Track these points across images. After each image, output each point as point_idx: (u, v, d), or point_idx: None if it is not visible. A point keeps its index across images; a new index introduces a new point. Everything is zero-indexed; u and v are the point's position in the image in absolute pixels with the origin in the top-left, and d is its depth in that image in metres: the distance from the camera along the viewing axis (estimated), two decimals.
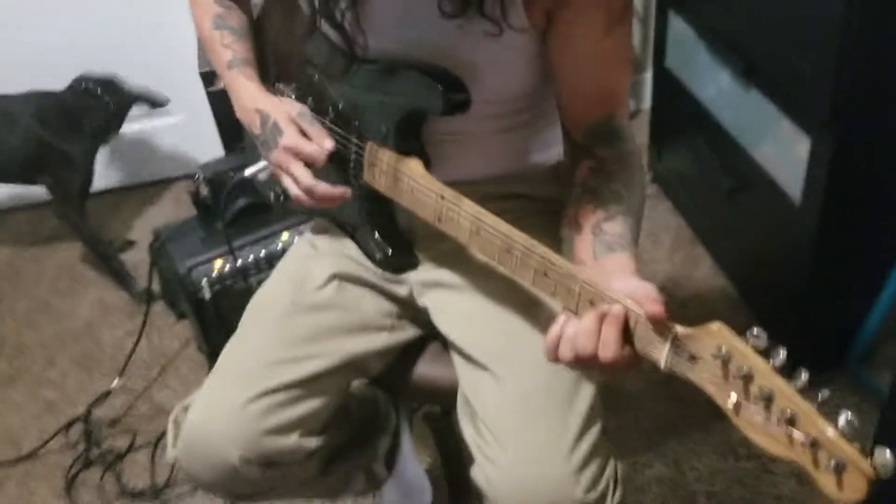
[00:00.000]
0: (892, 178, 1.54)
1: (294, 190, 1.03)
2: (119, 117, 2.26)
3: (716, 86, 1.91)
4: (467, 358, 1.04)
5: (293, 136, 1.01)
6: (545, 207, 1.13)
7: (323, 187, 1.01)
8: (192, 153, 2.60)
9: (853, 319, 1.75)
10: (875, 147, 1.50)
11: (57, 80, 2.24)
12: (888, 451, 0.60)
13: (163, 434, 1.84)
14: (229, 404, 1.02)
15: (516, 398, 0.96)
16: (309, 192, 1.01)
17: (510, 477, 0.92)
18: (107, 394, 1.95)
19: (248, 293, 1.72)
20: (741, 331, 0.68)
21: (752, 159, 1.79)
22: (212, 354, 1.85)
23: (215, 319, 1.78)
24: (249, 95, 1.08)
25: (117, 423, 1.90)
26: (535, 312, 1.02)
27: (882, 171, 1.53)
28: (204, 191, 1.90)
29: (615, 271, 0.81)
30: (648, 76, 2.38)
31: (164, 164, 2.72)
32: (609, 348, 0.75)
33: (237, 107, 1.12)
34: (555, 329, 0.79)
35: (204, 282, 1.74)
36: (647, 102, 2.52)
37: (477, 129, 1.05)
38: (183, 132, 2.65)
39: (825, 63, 1.42)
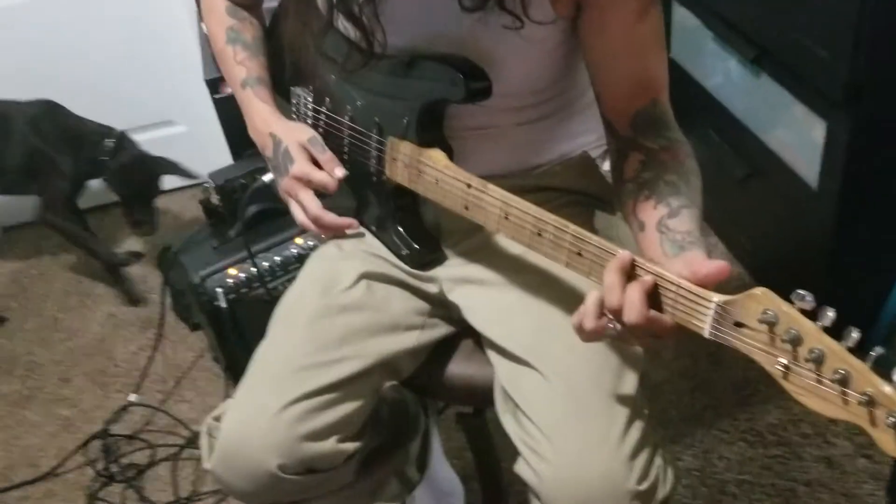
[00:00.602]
0: None
1: (301, 218, 1.04)
2: (118, 176, 2.21)
3: (724, 74, 1.91)
4: (504, 353, 1.02)
5: (303, 165, 1.02)
6: (574, 199, 1.12)
7: (330, 218, 1.03)
8: (200, 161, 2.59)
9: (873, 304, 1.74)
10: (892, 127, 1.49)
11: (61, 89, 2.24)
12: None
13: (183, 446, 1.83)
14: (265, 411, 1.00)
15: (560, 391, 0.94)
16: (315, 221, 1.02)
17: (560, 471, 0.91)
18: (123, 409, 1.94)
19: (263, 300, 1.74)
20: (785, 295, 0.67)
21: (765, 146, 1.79)
22: (229, 365, 1.84)
23: (232, 329, 1.76)
24: (262, 119, 1.09)
25: (135, 438, 1.89)
26: (570, 303, 1.00)
27: None
28: (215, 199, 1.89)
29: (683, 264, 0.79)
30: None
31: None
32: (633, 309, 0.74)
33: (250, 127, 1.12)
34: (580, 308, 0.79)
35: (219, 291, 1.73)
36: None
37: (500, 122, 1.04)
38: (189, 140, 2.65)
39: (841, 45, 1.42)
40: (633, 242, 0.96)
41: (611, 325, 0.79)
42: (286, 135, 1.05)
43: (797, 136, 1.67)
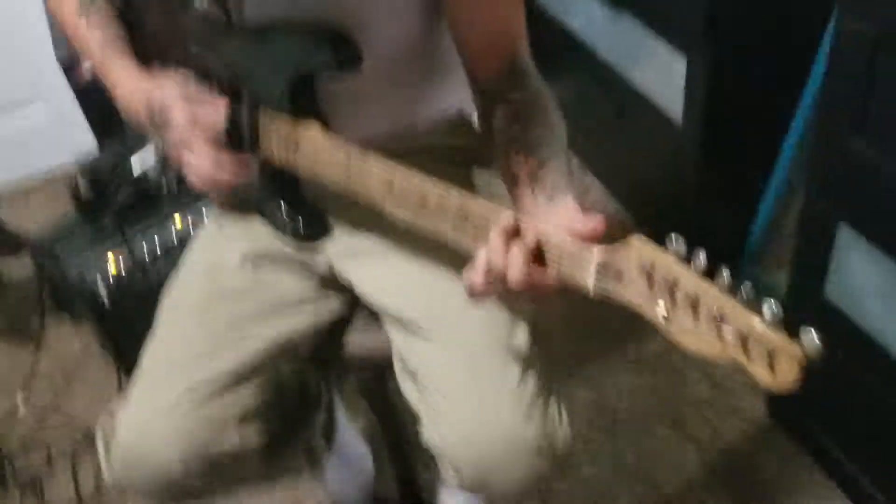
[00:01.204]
0: (766, 89, 1.62)
1: (201, 169, 0.97)
2: None
3: (586, 15, 1.95)
4: (399, 321, 1.03)
5: (185, 109, 0.96)
6: (452, 158, 1.13)
7: (232, 158, 0.96)
8: (63, 146, 2.46)
9: (741, 227, 1.84)
10: (748, 61, 1.57)
11: None
12: (813, 330, 0.64)
13: (80, 443, 1.77)
14: (160, 407, 0.98)
15: (455, 354, 0.96)
16: (218, 165, 0.96)
17: (462, 431, 0.93)
18: (13, 412, 1.86)
19: (145, 286, 1.69)
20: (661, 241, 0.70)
21: (631, 84, 1.85)
22: (119, 354, 1.78)
23: (116, 317, 1.70)
24: (130, 78, 1.03)
25: (29, 440, 1.81)
26: (460, 266, 1.01)
27: (756, 84, 1.60)
28: (84, 186, 1.80)
29: (559, 218, 0.81)
30: None
31: (30, 162, 2.57)
32: (516, 269, 0.75)
33: (118, 94, 1.06)
34: (467, 270, 0.80)
35: (99, 280, 1.67)
36: None
37: (372, 85, 1.03)
38: (48, 127, 2.50)
39: None
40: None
41: (497, 286, 0.80)
42: (157, 88, 0.99)
43: (660, 74, 1.73)
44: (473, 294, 0.81)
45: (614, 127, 1.99)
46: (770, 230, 1.82)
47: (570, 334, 1.84)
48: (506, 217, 0.78)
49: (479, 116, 1.01)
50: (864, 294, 1.26)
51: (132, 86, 1.03)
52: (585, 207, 0.82)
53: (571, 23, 2.04)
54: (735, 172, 1.74)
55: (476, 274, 0.79)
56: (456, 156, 1.14)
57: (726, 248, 1.88)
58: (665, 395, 1.70)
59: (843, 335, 1.30)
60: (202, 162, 0.96)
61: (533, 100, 0.94)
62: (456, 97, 1.14)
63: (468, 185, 1.13)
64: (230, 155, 0.97)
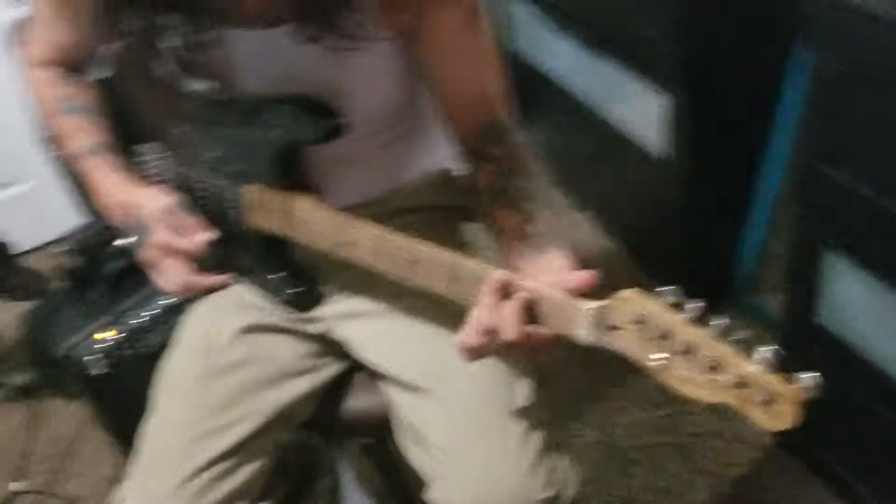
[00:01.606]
0: (741, 119, 1.64)
1: (167, 286, 1.01)
2: None
3: (565, 59, 1.98)
4: (397, 383, 1.02)
5: (164, 235, 0.98)
6: (440, 216, 1.14)
7: (203, 281, 1.00)
8: (51, 221, 2.46)
9: (730, 253, 1.85)
10: (723, 94, 1.60)
11: None
12: (807, 374, 0.64)
13: None
14: (161, 492, 0.96)
15: (457, 413, 0.96)
16: (186, 286, 1.00)
17: (467, 492, 0.92)
18: (10, 498, 1.82)
19: (140, 359, 1.67)
20: (646, 280, 0.71)
21: (610, 124, 1.87)
22: (117, 431, 1.75)
23: (111, 393, 1.69)
24: (110, 188, 1.05)
25: None
26: (456, 324, 1.01)
27: (732, 115, 1.63)
28: (73, 261, 1.80)
29: (548, 270, 0.82)
30: None
31: (17, 238, 2.56)
32: (509, 327, 0.76)
33: (96, 198, 1.08)
34: (464, 326, 0.80)
35: (91, 358, 1.65)
36: None
37: (357, 149, 1.04)
38: (33, 201, 2.50)
39: (669, 26, 1.50)
40: None
41: (493, 344, 0.80)
42: (140, 204, 1.01)
43: (637, 112, 1.75)
44: (467, 353, 0.81)
45: (598, 164, 2.01)
46: (760, 257, 1.83)
47: (572, 376, 1.84)
48: (496, 276, 0.79)
49: (467, 173, 1.02)
50: (856, 316, 1.27)
51: (112, 197, 1.04)
52: (576, 257, 0.83)
53: (551, 67, 2.07)
54: (719, 203, 1.75)
55: (469, 333, 0.80)
56: (443, 212, 1.15)
57: (718, 276, 1.89)
58: (672, 429, 1.69)
59: (838, 357, 1.30)
60: (169, 283, 1.00)
61: (513, 154, 0.95)
62: (439, 155, 1.15)
63: (456, 240, 1.13)
64: (201, 277, 1.00)
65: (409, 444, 1.02)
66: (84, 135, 1.08)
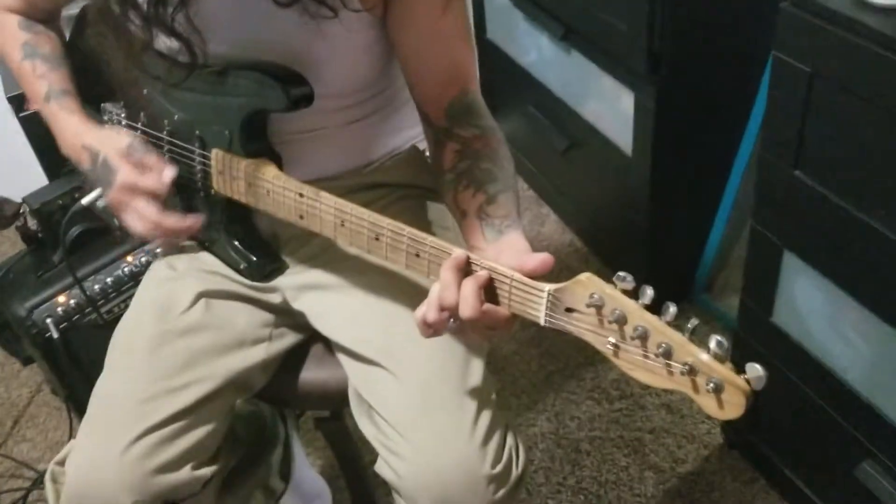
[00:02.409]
0: (711, 120, 1.66)
1: (138, 227, 0.99)
2: None
3: (537, 51, 1.99)
4: (355, 356, 1.03)
5: (128, 173, 0.96)
6: (406, 193, 1.14)
7: (172, 221, 0.97)
8: (11, 184, 2.42)
9: (692, 255, 1.88)
10: (693, 93, 1.61)
11: None
12: (758, 364, 0.65)
13: (29, 489, 1.72)
14: (111, 451, 0.96)
15: (411, 388, 0.96)
16: (157, 227, 0.97)
17: (417, 467, 0.93)
18: None
19: (98, 325, 1.66)
20: (608, 277, 0.72)
21: (582, 118, 1.88)
22: (70, 396, 1.74)
23: (67, 358, 1.67)
24: (73, 132, 1.03)
25: None
26: (414, 300, 1.02)
27: (703, 116, 1.65)
28: (32, 223, 1.78)
29: (508, 252, 0.82)
30: None
31: None
32: (468, 304, 0.76)
33: (60, 142, 1.05)
34: (421, 307, 0.81)
35: (49, 321, 1.63)
36: None
37: (326, 123, 1.04)
38: None
39: (638, 20, 1.51)
40: None
41: (451, 321, 0.81)
42: (102, 144, 1.00)
43: (609, 108, 1.76)
44: (426, 329, 0.82)
45: (567, 159, 2.02)
46: (721, 258, 1.86)
47: (529, 361, 1.85)
48: (457, 255, 0.79)
49: (430, 153, 1.02)
50: (810, 318, 1.30)
51: (77, 138, 1.02)
52: (536, 240, 0.83)
53: (523, 59, 2.08)
54: (686, 202, 1.77)
55: (428, 310, 0.80)
56: (409, 190, 1.15)
57: (679, 276, 1.92)
58: (624, 424, 1.71)
59: (791, 358, 1.33)
60: (140, 223, 0.98)
61: (481, 136, 0.96)
62: (409, 133, 1.15)
63: (422, 219, 1.14)
64: (170, 218, 0.97)
65: (361, 417, 1.03)
66: (45, 80, 1.06)
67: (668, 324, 0.69)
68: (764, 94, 1.58)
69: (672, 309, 0.69)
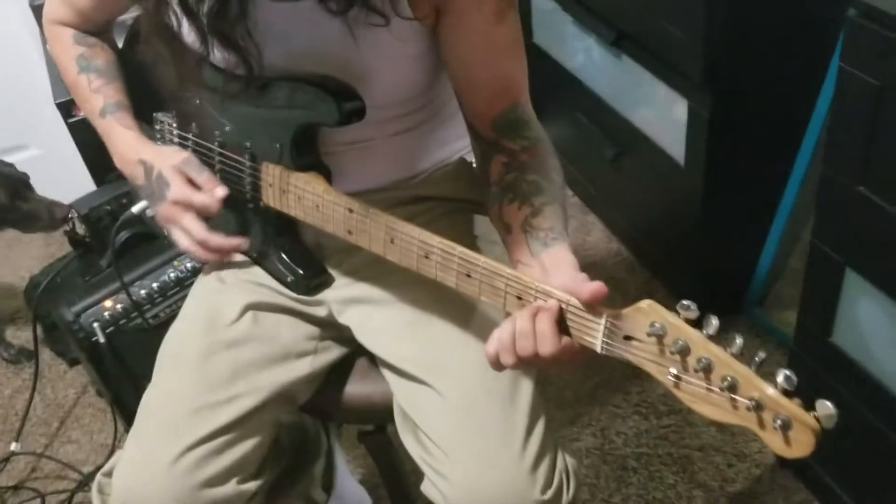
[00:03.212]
0: (767, 130, 1.61)
1: (185, 244, 0.99)
2: None
3: (587, 57, 1.95)
4: (399, 372, 1.01)
5: (181, 188, 0.97)
6: (453, 207, 1.12)
7: (217, 239, 0.98)
8: (58, 188, 2.45)
9: (745, 267, 1.83)
10: (750, 102, 1.56)
11: None
12: (828, 402, 0.62)
13: (74, 492, 1.74)
14: (157, 463, 0.95)
15: (457, 408, 0.94)
16: (203, 244, 0.98)
17: (465, 490, 0.91)
18: (6, 459, 1.82)
19: (144, 330, 1.67)
20: (656, 288, 0.69)
21: (632, 125, 1.84)
22: (115, 398, 1.75)
23: (113, 362, 1.68)
24: (128, 146, 1.03)
25: (22, 488, 1.78)
26: (462, 316, 1.00)
27: (758, 124, 1.60)
28: (80, 229, 1.79)
29: (554, 266, 0.80)
30: None
31: None
32: (546, 342, 0.74)
33: (115, 157, 1.06)
34: (492, 342, 0.78)
35: (96, 325, 1.64)
36: None
37: (373, 134, 1.02)
38: (45, 166, 2.49)
39: (695, 26, 1.47)
40: None
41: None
42: (157, 159, 1.00)
43: (661, 115, 1.72)
44: (498, 366, 0.80)
45: (616, 167, 1.98)
46: (774, 271, 1.81)
47: (574, 378, 1.82)
48: (546, 306, 0.76)
49: (477, 165, 1.00)
50: (871, 338, 1.25)
51: (133, 153, 1.03)
52: (581, 248, 0.80)
53: (572, 64, 2.04)
54: (739, 213, 1.72)
55: (503, 354, 0.78)
56: (457, 204, 1.13)
57: (730, 289, 1.87)
58: (672, 440, 1.67)
59: (850, 378, 1.28)
60: (186, 240, 0.99)
61: (530, 148, 0.93)
62: (457, 145, 1.14)
63: (469, 233, 1.12)
64: (216, 237, 0.98)
65: (406, 434, 1.01)
66: (101, 95, 1.06)
67: (735, 355, 0.66)
68: (823, 105, 1.53)
69: (739, 341, 0.66)
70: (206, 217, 1.00)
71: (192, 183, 0.99)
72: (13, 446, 1.83)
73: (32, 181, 2.52)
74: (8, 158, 2.44)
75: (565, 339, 0.75)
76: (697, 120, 1.59)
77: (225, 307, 1.07)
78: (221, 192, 0.98)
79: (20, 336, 2.17)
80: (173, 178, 0.98)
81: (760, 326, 1.84)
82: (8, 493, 1.77)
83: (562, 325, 0.75)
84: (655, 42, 1.63)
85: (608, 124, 1.94)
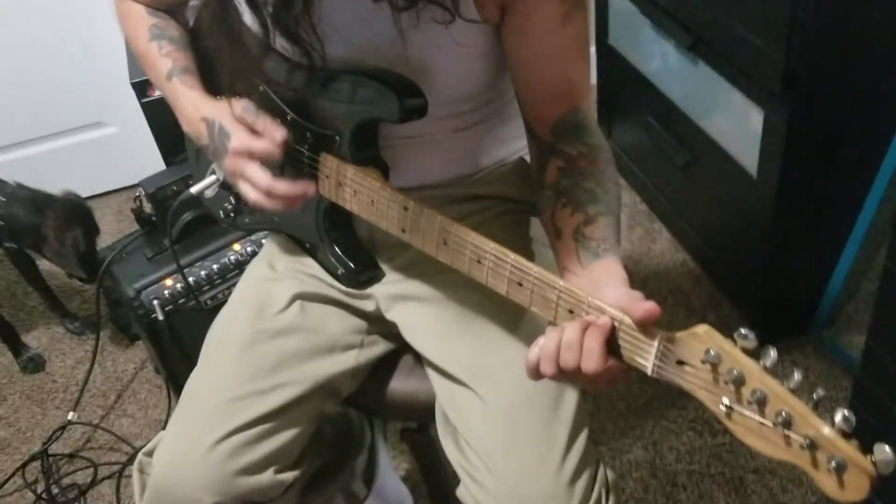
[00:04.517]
0: (846, 144, 1.54)
1: (252, 195, 0.96)
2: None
3: (662, 61, 1.90)
4: (443, 373, 1.00)
5: (242, 137, 0.94)
6: (509, 207, 1.10)
7: (283, 186, 0.94)
8: (130, 165, 2.52)
9: (815, 286, 1.76)
10: (828, 116, 1.50)
11: None
12: (887, 447, 0.58)
13: (125, 464, 1.78)
14: (196, 448, 0.96)
15: (498, 415, 0.92)
16: (269, 193, 0.94)
17: (500, 500, 0.89)
18: (63, 427, 1.87)
19: (201, 310, 1.69)
20: (724, 327, 0.66)
21: (705, 133, 1.79)
22: (170, 376, 1.78)
23: (171, 340, 1.72)
24: (192, 104, 1.02)
25: (76, 457, 1.83)
26: (510, 320, 0.98)
27: (836, 138, 1.53)
28: (147, 207, 1.83)
29: (604, 279, 0.77)
30: (592, 53, 2.37)
31: (101, 177, 2.63)
32: (592, 359, 0.72)
33: (181, 118, 1.05)
34: (534, 348, 0.76)
35: (155, 303, 1.68)
36: (592, 80, 2.50)
37: (433, 130, 1.01)
38: (120, 143, 2.56)
39: (775, 34, 1.41)
40: None
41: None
42: (218, 113, 0.98)
43: (736, 124, 1.66)
44: (536, 374, 0.77)
45: (686, 175, 1.92)
46: (846, 292, 1.73)
47: (628, 386, 1.78)
48: (598, 322, 0.73)
49: (532, 168, 0.97)
50: None
51: (196, 112, 1.02)
52: (646, 257, 0.77)
53: (646, 68, 1.99)
54: (812, 229, 1.66)
55: (545, 363, 0.75)
56: (513, 205, 1.11)
57: (798, 308, 1.80)
58: (726, 460, 1.62)
59: None
60: (253, 191, 0.95)
61: (589, 155, 0.90)
62: (516, 144, 1.12)
63: (524, 235, 1.09)
64: (284, 183, 0.94)
65: (446, 437, 1.00)
66: (170, 59, 1.05)
67: (792, 390, 0.62)
68: None
69: (797, 375, 0.62)
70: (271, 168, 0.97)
71: (253, 132, 0.96)
72: (71, 415, 1.88)
73: (107, 158, 2.60)
74: (85, 135, 2.55)
75: (611, 360, 0.72)
76: (773, 130, 1.53)
77: (274, 295, 1.07)
78: (280, 134, 0.94)
79: (85, 309, 2.22)
80: (233, 128, 0.96)
81: (828, 349, 1.77)
82: (63, 461, 1.82)
83: (611, 344, 0.72)
84: (733, 49, 1.57)
85: (680, 131, 1.89)
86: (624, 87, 2.09)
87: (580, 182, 0.88)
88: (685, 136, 1.87)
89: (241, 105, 0.97)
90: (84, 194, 2.60)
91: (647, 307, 0.69)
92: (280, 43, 0.95)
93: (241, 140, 0.95)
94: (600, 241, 0.82)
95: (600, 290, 0.75)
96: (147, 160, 2.12)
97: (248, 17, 0.94)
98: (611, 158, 0.92)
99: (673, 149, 1.92)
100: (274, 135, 0.94)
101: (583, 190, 0.87)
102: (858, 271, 1.70)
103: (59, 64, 2.39)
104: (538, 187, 0.93)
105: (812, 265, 1.73)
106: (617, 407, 1.74)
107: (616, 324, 0.72)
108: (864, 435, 0.61)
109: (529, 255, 0.80)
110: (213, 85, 1.11)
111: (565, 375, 0.75)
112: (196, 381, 1.04)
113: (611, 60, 2.12)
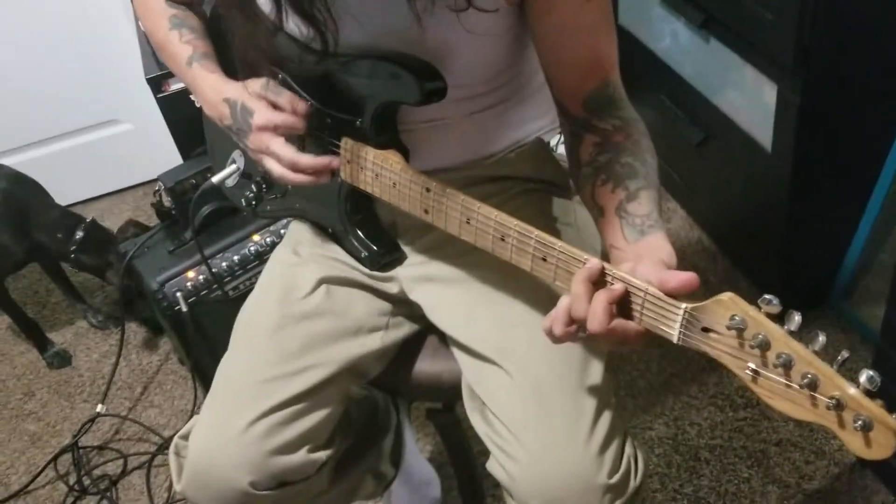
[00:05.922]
0: (860, 118, 1.54)
1: (277, 170, 0.97)
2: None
3: (673, 39, 1.90)
4: (469, 352, 1.01)
5: (264, 113, 0.96)
6: (529, 187, 1.11)
7: (308, 159, 0.95)
8: (145, 162, 2.54)
9: (832, 258, 1.76)
10: (842, 89, 1.50)
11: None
12: None
13: (154, 454, 1.81)
14: (231, 430, 0.98)
15: (526, 389, 0.94)
16: (294, 166, 0.95)
17: (531, 471, 0.91)
18: (92, 420, 1.91)
19: (224, 301, 1.72)
20: (738, 278, 0.67)
21: (718, 110, 1.79)
22: (195, 367, 1.81)
23: (195, 331, 1.74)
24: (213, 88, 1.03)
25: (106, 448, 1.86)
26: (533, 298, 0.99)
27: (850, 112, 1.53)
28: (166, 200, 1.85)
29: (649, 258, 0.77)
30: None
31: (118, 173, 2.66)
32: (596, 319, 0.73)
33: (203, 103, 1.06)
34: (547, 319, 0.78)
35: (179, 296, 1.70)
36: None
37: (453, 112, 1.02)
38: (136, 139, 2.59)
39: (787, 8, 1.41)
40: (592, 226, 0.96)
41: (580, 333, 0.78)
42: (240, 93, 0.99)
43: (749, 100, 1.67)
44: (552, 337, 0.79)
45: (700, 153, 1.93)
46: (863, 264, 1.74)
47: (648, 362, 1.79)
48: (590, 266, 0.75)
49: (567, 146, 0.98)
50: None
51: (217, 94, 1.03)
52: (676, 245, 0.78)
53: (658, 47, 1.99)
54: (828, 203, 1.66)
55: (555, 323, 0.78)
56: (533, 184, 1.12)
57: (816, 281, 1.80)
58: (748, 434, 1.63)
59: None
60: (278, 166, 0.97)
61: (623, 128, 0.91)
62: (534, 125, 1.12)
63: (545, 214, 1.10)
64: (305, 157, 0.95)
65: (474, 413, 1.01)
66: (190, 46, 1.07)
67: (818, 353, 0.63)
68: None
69: (821, 338, 0.63)
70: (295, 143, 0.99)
71: (275, 107, 0.97)
72: (99, 408, 1.91)
73: (123, 155, 2.62)
74: (101, 133, 2.57)
75: (619, 321, 0.74)
76: (787, 106, 1.53)
77: (299, 280, 1.09)
78: (302, 107, 0.95)
79: (108, 304, 2.25)
80: (255, 105, 0.97)
81: (847, 321, 1.77)
82: (93, 453, 1.85)
83: (624, 306, 0.74)
84: (745, 25, 1.57)
85: (693, 109, 1.89)
86: (636, 66, 2.08)
87: (617, 157, 0.88)
88: (698, 113, 1.87)
89: (261, 83, 0.98)
90: (100, 192, 2.67)
91: (684, 278, 0.70)
92: (294, 22, 0.95)
93: (265, 115, 0.96)
94: (644, 218, 0.83)
95: (640, 265, 0.76)
96: (163, 156, 2.14)
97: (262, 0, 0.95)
98: (645, 130, 0.92)
99: (686, 127, 1.92)
100: (296, 107, 0.95)
101: (621, 165, 0.87)
102: (876, 243, 1.70)
103: (73, 63, 2.41)
104: (574, 165, 0.94)
105: (829, 238, 1.73)
106: (637, 385, 1.76)
107: (641, 293, 0.73)
108: (886, 403, 0.62)
109: (552, 233, 0.81)
110: (232, 72, 1.13)
111: (574, 333, 0.77)
112: (228, 366, 1.06)
113: (621, 40, 2.10)
